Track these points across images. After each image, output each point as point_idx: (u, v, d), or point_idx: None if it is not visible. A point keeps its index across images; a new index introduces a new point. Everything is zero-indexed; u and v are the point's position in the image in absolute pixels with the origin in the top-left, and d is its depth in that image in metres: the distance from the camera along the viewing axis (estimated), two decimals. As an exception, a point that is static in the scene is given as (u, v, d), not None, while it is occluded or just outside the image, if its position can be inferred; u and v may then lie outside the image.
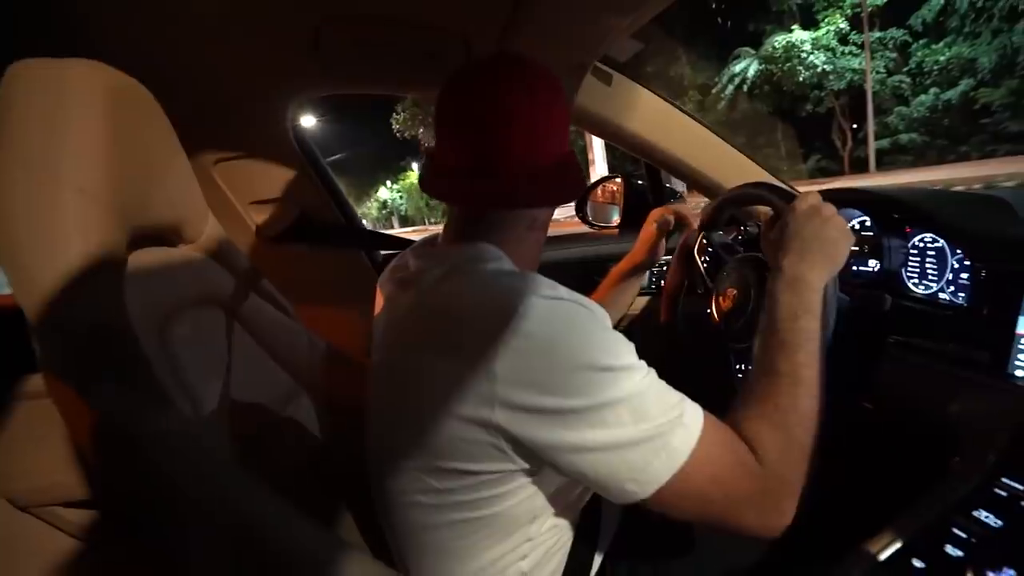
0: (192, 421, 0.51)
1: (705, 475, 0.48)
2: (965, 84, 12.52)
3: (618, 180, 1.37)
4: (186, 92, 0.90)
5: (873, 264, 0.87)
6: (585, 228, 1.28)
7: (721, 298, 0.87)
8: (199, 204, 0.68)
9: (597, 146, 14.75)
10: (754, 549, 0.75)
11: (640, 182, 1.33)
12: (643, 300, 1.31)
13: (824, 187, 0.98)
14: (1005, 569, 0.38)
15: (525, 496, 0.55)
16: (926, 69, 13.42)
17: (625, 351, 0.50)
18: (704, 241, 1.04)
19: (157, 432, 0.43)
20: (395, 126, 22.61)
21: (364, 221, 1.48)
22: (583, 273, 1.38)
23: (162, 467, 0.43)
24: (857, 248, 0.92)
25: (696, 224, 0.96)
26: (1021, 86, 11.35)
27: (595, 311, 0.50)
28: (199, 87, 0.95)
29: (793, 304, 0.59)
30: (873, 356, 0.79)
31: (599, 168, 14.75)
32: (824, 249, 0.61)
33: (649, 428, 0.47)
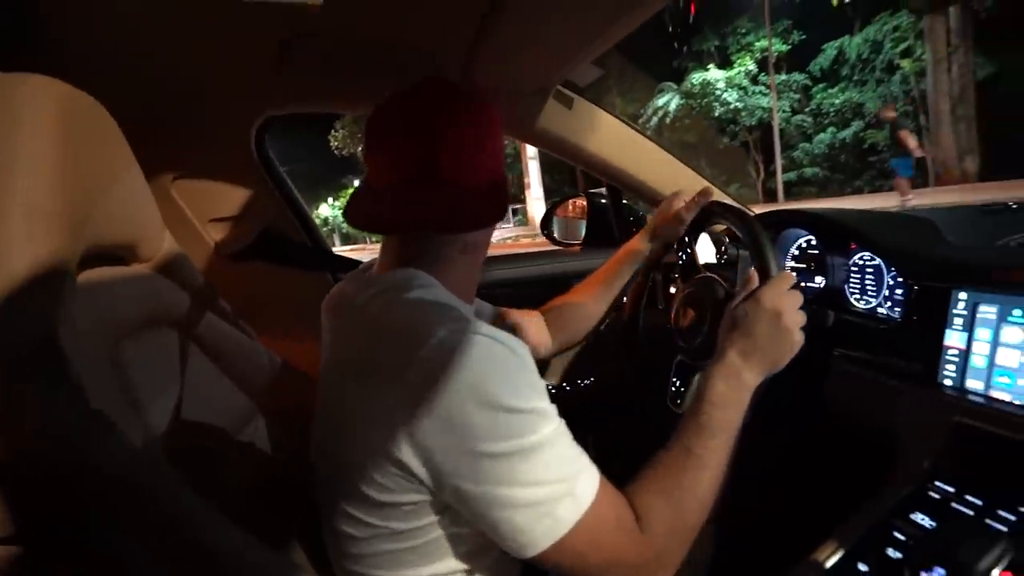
0: (135, 445, 0.47)
1: (585, 542, 0.49)
2: (856, 125, 14.15)
3: (582, 199, 1.42)
4: (144, 108, 0.87)
5: (819, 281, 0.95)
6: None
7: (681, 315, 0.89)
8: (155, 222, 0.67)
9: (533, 170, 15.18)
10: (706, 565, 0.76)
11: (603, 200, 1.39)
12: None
13: (766, 210, 1.07)
14: (936, 568, 0.41)
15: (451, 525, 0.54)
16: (824, 110, 15.04)
17: (534, 395, 0.49)
18: (680, 253, 1.08)
19: (96, 456, 0.41)
20: (334, 143, 22.22)
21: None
22: (547, 289, 1.40)
23: (100, 494, 0.40)
24: (804, 266, 1.01)
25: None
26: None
27: (513, 348, 0.50)
28: (158, 103, 0.92)
29: (725, 395, 0.61)
30: (819, 369, 0.84)
31: (535, 191, 15.17)
32: (768, 355, 0.63)
33: (539, 493, 0.47)
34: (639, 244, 0.97)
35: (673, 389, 0.95)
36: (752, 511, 0.80)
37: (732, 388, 0.62)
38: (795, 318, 0.64)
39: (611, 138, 1.18)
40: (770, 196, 15.31)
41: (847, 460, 0.80)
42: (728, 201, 1.07)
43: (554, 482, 0.48)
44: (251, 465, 0.71)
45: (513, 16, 0.71)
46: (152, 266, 0.68)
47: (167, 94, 0.92)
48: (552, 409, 0.51)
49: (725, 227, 1.06)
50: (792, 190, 15.32)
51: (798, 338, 0.64)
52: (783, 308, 0.63)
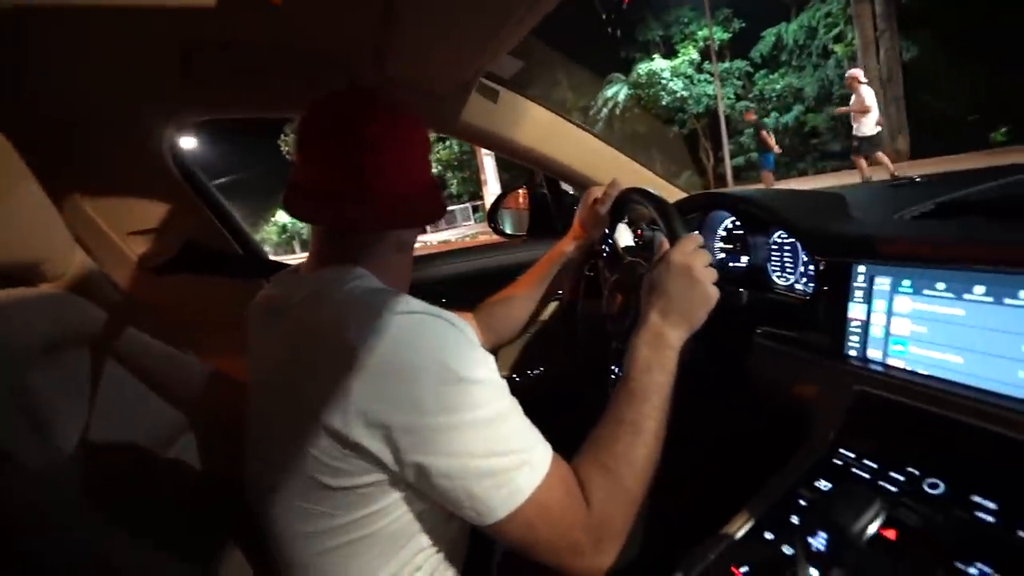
0: (40, 473, 0.45)
1: (538, 514, 0.50)
2: (797, 110, 14.80)
3: (522, 191, 1.42)
4: (42, 117, 0.84)
5: (744, 260, 0.99)
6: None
7: (611, 302, 0.91)
8: (61, 239, 0.64)
9: (489, 166, 15.20)
10: (634, 545, 0.79)
11: (543, 191, 1.39)
12: (552, 305, 1.36)
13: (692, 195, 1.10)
14: (819, 532, 0.44)
15: (402, 511, 0.56)
16: (766, 96, 15.65)
17: (486, 367, 0.51)
18: (603, 244, 1.10)
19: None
20: (284, 148, 21.73)
21: (265, 247, 1.40)
22: (494, 283, 1.40)
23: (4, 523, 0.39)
24: (730, 247, 1.05)
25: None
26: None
27: (457, 324, 0.52)
28: (58, 113, 0.88)
29: (649, 358, 0.64)
30: (743, 347, 0.88)
31: (491, 187, 15.20)
32: (684, 311, 0.67)
33: (499, 463, 0.49)
34: (566, 243, 1.00)
35: (613, 376, 0.97)
36: (679, 488, 0.83)
37: (656, 350, 0.64)
38: (705, 273, 0.67)
39: (540, 128, 1.18)
40: (721, 181, 15.83)
41: (768, 434, 0.83)
42: (650, 183, 1.10)
43: (513, 452, 0.50)
44: (182, 480, 0.71)
45: (410, 17, 0.71)
46: (62, 285, 0.66)
47: (67, 105, 0.88)
48: (504, 383, 0.53)
49: (641, 210, 1.08)
50: (741, 174, 15.89)
51: (711, 291, 0.67)
52: (692, 263, 0.67)
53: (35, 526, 0.40)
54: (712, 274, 0.68)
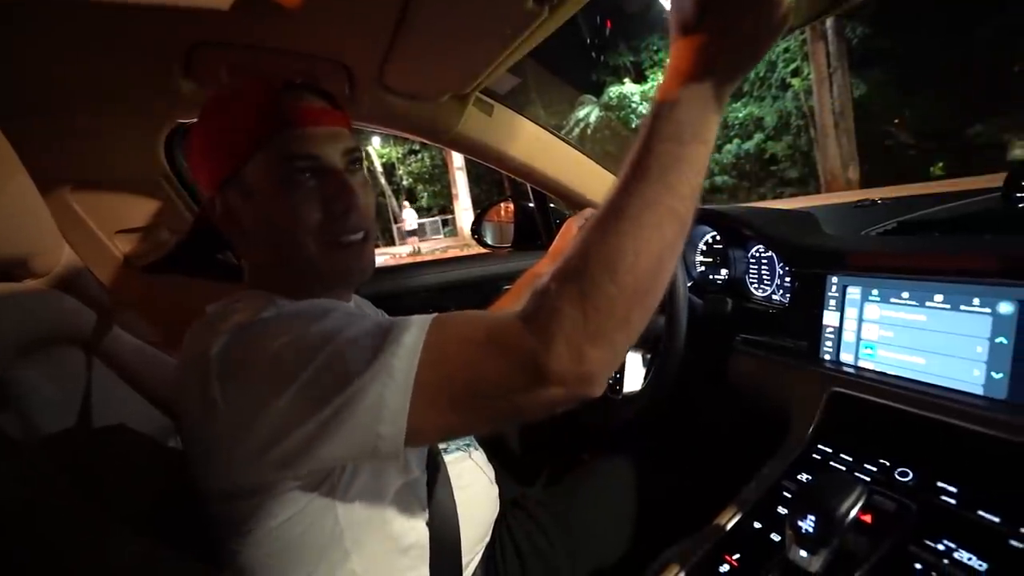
0: (20, 468, 0.44)
1: (453, 363, 0.42)
2: (758, 137, 15.55)
3: (509, 203, 1.46)
4: (37, 115, 0.83)
5: (724, 273, 1.05)
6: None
7: None
8: (50, 236, 0.63)
9: (460, 181, 15.28)
10: (619, 540, 0.80)
11: (530, 204, 1.43)
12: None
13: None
14: (808, 515, 0.48)
15: (316, 514, 0.51)
16: (730, 123, 16.39)
17: (318, 310, 0.47)
18: None
19: None
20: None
21: None
22: (479, 292, 1.42)
23: None
24: (710, 260, 1.11)
25: None
26: (795, 141, 14.51)
27: (280, 306, 0.50)
28: (53, 110, 0.86)
29: (689, 111, 0.42)
30: (724, 352, 0.94)
31: (463, 202, 15.26)
32: (748, 30, 0.41)
33: (364, 366, 0.41)
34: (543, 267, 1.01)
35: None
36: (667, 486, 0.86)
37: (701, 94, 0.41)
38: None
39: (532, 143, 1.22)
40: (686, 202, 16.38)
41: (751, 434, 0.88)
42: None
43: (373, 350, 0.42)
44: (166, 480, 0.69)
45: (423, 28, 0.73)
46: (48, 281, 0.65)
47: (63, 101, 0.86)
48: (337, 315, 0.47)
49: None
50: (705, 197, 16.46)
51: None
52: None
53: (15, 522, 0.39)
54: None
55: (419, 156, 22.04)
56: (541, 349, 0.39)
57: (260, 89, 0.56)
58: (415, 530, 0.61)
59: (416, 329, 0.42)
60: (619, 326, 0.40)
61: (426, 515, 0.63)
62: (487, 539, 0.75)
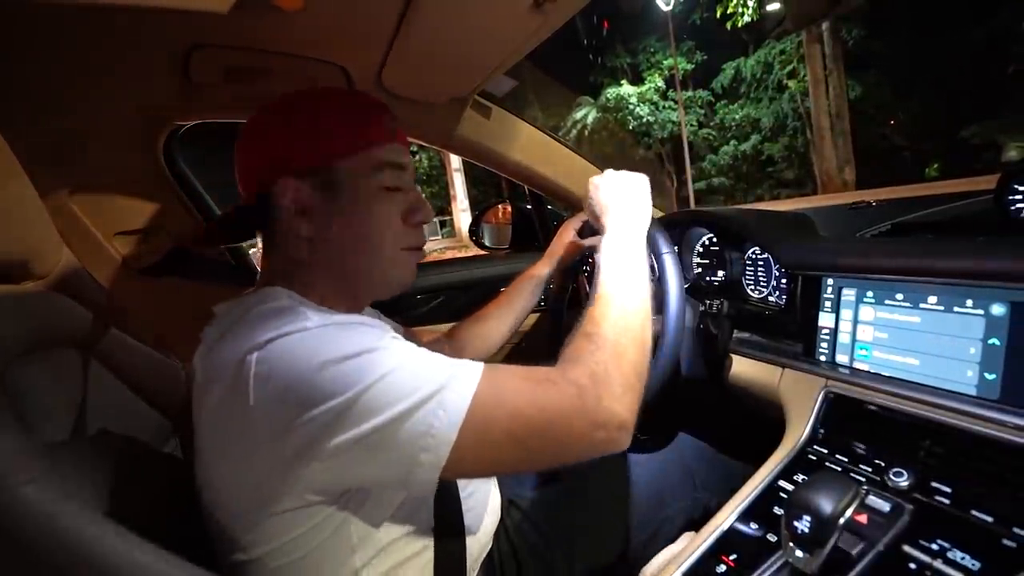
0: (30, 471, 0.44)
1: (503, 412, 0.46)
2: (754, 139, 15.60)
3: (507, 205, 1.47)
4: (36, 117, 0.82)
5: (721, 275, 1.06)
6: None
7: None
8: (49, 238, 0.63)
9: (458, 182, 15.28)
10: (615, 540, 0.79)
11: (527, 206, 1.44)
12: (533, 317, 1.39)
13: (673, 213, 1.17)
14: (803, 517, 0.48)
15: (330, 530, 0.51)
16: (727, 124, 16.45)
17: (367, 338, 0.47)
18: (584, 264, 1.15)
19: None
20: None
21: (253, 251, 1.38)
22: (477, 293, 1.42)
23: None
24: (707, 261, 1.12)
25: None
26: (791, 142, 14.59)
27: (338, 322, 0.49)
28: (52, 112, 0.86)
29: (622, 258, 0.66)
30: (720, 353, 0.94)
31: (461, 203, 15.26)
32: (632, 210, 0.74)
33: (417, 396, 0.44)
34: (539, 268, 1.02)
35: None
36: (664, 486, 0.87)
37: (617, 250, 0.67)
38: (624, 175, 0.78)
39: (529, 145, 1.23)
40: (683, 205, 16.43)
41: (748, 433, 0.89)
42: None
43: (428, 383, 0.45)
44: (170, 480, 0.68)
45: (422, 32, 0.73)
46: (47, 284, 0.65)
47: (62, 103, 0.86)
48: (397, 345, 0.48)
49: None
50: (702, 199, 16.56)
51: (640, 178, 0.78)
52: (609, 174, 0.79)
53: (16, 523, 0.39)
54: (631, 174, 0.78)
55: (417, 158, 22.03)
56: (591, 398, 0.49)
57: (371, 100, 0.62)
58: (422, 543, 0.61)
59: (472, 368, 0.48)
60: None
61: (432, 529, 0.62)
62: (488, 547, 0.74)
